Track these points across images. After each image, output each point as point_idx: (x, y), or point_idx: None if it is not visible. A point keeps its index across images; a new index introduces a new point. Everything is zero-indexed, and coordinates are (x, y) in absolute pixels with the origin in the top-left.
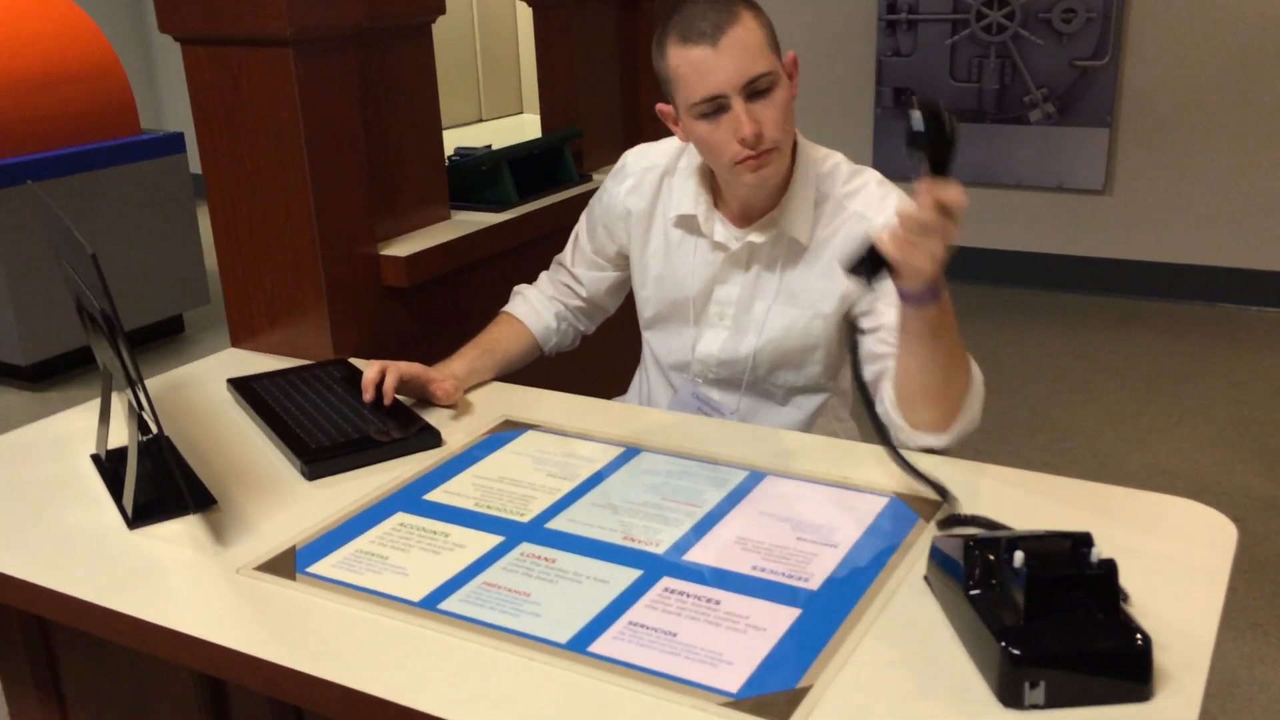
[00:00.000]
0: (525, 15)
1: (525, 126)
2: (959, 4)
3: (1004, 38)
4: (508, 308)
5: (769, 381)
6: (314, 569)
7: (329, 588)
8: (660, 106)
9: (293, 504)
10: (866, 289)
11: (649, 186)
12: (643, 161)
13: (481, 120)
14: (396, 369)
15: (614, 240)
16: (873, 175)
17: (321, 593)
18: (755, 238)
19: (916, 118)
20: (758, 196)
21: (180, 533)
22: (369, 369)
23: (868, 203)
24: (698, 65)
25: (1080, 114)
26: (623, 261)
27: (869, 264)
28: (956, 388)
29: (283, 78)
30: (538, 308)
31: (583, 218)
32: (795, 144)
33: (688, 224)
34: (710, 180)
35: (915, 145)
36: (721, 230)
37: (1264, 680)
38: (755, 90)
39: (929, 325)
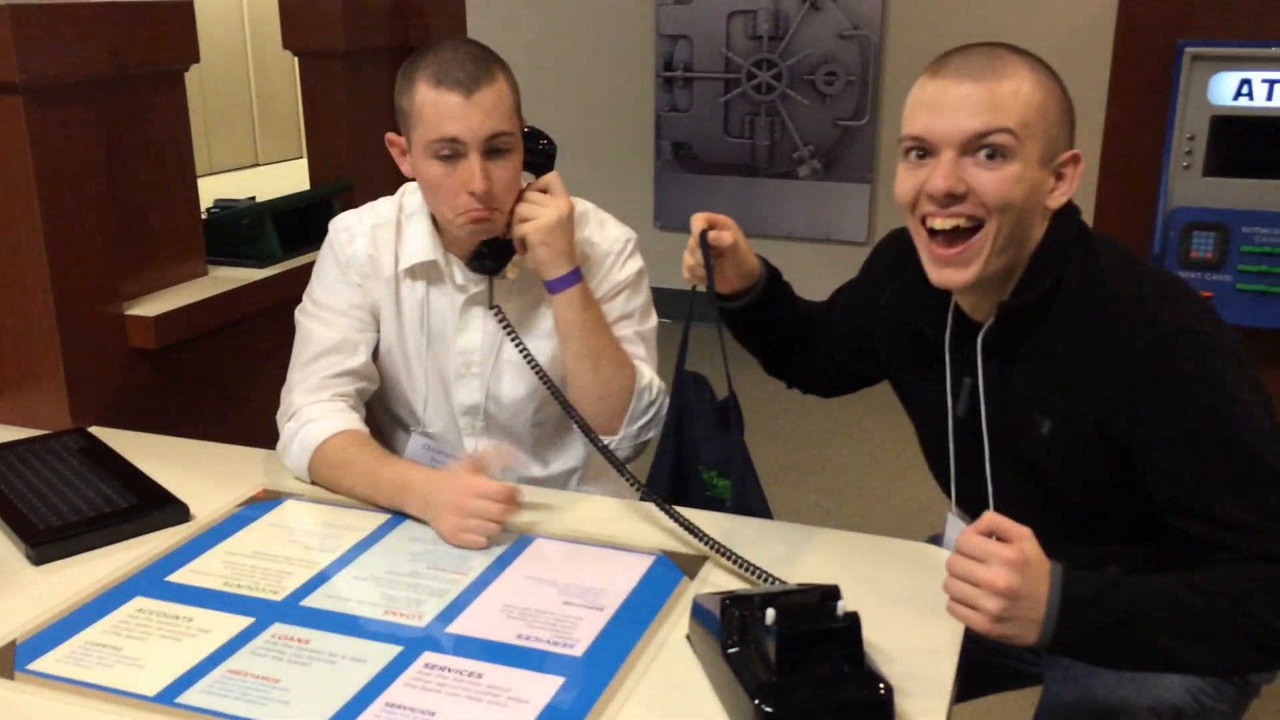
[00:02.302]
0: None
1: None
2: (730, 64)
3: (773, 97)
4: (339, 428)
5: (555, 417)
6: (36, 665)
7: (53, 685)
8: (391, 136)
9: (14, 593)
10: (489, 278)
11: (386, 243)
12: (369, 219)
13: (258, 164)
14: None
15: (367, 295)
16: (588, 205)
17: (44, 692)
18: (502, 275)
19: None
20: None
21: None
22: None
23: (590, 229)
24: (444, 109)
25: (844, 170)
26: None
27: (491, 256)
28: (614, 384)
29: (13, 128)
30: (349, 416)
31: (316, 308)
32: None
33: (427, 271)
34: (437, 225)
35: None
36: (460, 274)
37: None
38: (494, 149)
39: (577, 317)
